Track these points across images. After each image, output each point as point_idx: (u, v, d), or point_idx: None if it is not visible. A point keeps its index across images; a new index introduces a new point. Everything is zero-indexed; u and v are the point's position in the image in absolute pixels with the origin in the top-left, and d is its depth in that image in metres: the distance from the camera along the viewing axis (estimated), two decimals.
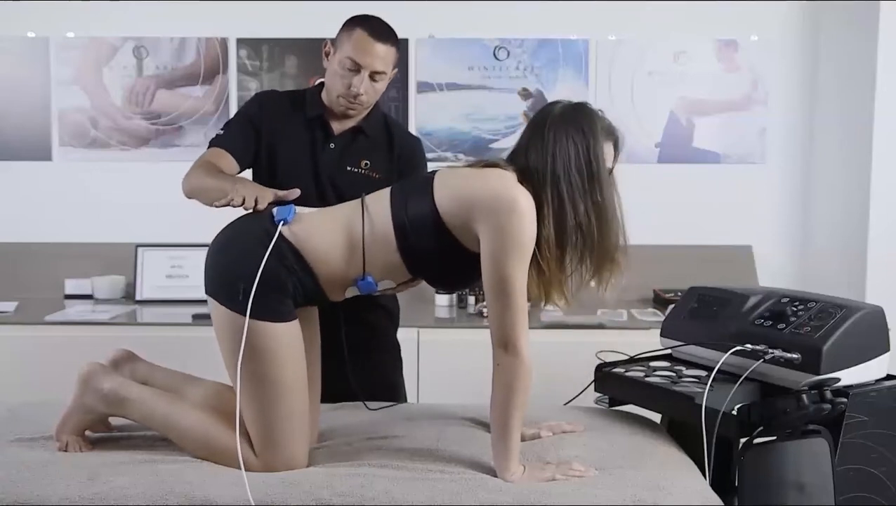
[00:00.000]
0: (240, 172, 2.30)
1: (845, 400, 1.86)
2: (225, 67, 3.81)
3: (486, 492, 1.67)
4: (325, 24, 3.75)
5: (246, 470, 1.76)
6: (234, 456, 1.78)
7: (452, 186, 1.81)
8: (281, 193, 1.93)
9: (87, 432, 1.92)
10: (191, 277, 3.68)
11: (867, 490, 1.93)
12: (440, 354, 2.89)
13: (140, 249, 3.70)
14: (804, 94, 3.82)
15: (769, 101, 3.82)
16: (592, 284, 1.85)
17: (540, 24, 3.79)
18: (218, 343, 1.85)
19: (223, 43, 3.80)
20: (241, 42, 3.81)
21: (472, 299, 3.54)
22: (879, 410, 1.92)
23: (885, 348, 1.97)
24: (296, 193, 1.94)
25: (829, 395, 1.85)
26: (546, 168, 1.78)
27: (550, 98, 3.79)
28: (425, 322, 3.21)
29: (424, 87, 3.76)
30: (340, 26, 2.28)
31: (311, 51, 3.80)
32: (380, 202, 1.86)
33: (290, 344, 1.82)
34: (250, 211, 1.90)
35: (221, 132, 2.33)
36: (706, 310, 2.17)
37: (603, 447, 1.89)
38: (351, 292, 1.90)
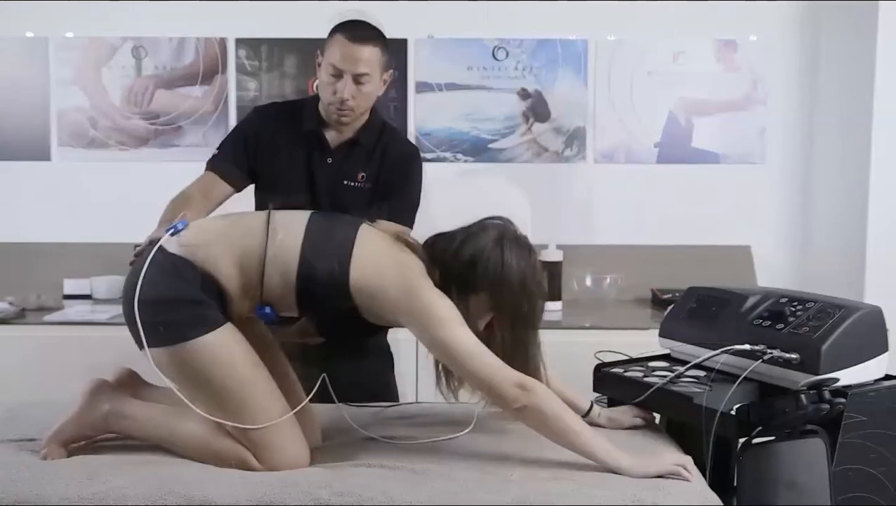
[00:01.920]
0: (238, 192, 2.30)
1: (844, 400, 1.86)
2: (224, 67, 3.81)
3: (485, 492, 1.67)
4: (324, 24, 3.77)
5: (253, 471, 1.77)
6: (239, 465, 1.79)
7: (370, 265, 1.80)
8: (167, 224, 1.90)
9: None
10: None
11: (866, 490, 1.93)
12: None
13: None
14: (803, 95, 3.82)
15: (768, 101, 3.82)
16: None
17: (539, 24, 3.78)
18: (180, 390, 1.80)
19: (222, 43, 3.80)
20: (240, 42, 3.81)
21: None
22: (878, 410, 1.92)
23: (884, 348, 1.98)
24: (185, 217, 1.91)
25: (827, 395, 1.85)
26: (471, 272, 1.81)
27: (549, 98, 3.79)
28: None
29: (423, 87, 3.76)
30: None
31: (311, 51, 3.77)
32: (292, 227, 1.82)
33: (230, 347, 1.78)
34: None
35: (216, 152, 2.32)
36: (705, 310, 2.17)
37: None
38: (245, 313, 1.86)
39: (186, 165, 3.77)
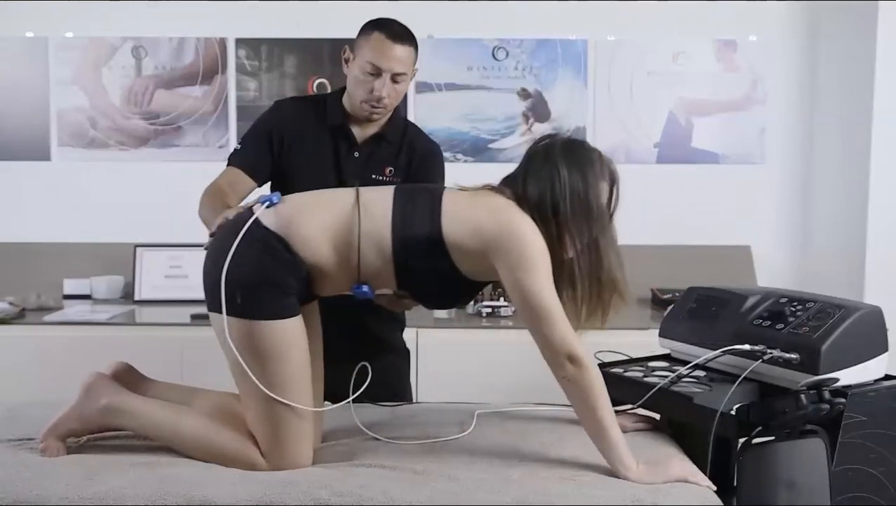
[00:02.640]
0: (259, 187, 2.29)
1: (844, 400, 1.86)
2: (224, 67, 3.81)
3: (484, 492, 1.66)
4: (324, 24, 3.78)
5: (253, 470, 1.77)
6: (242, 459, 1.79)
7: (460, 212, 1.79)
8: (251, 201, 1.90)
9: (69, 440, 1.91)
10: (189, 277, 3.68)
11: (865, 490, 1.93)
12: (439, 355, 2.89)
13: (139, 249, 3.70)
14: (803, 95, 3.82)
15: (768, 101, 3.83)
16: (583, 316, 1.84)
17: (539, 24, 3.79)
18: (225, 354, 1.81)
19: (222, 43, 3.81)
20: (239, 42, 3.81)
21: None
22: (878, 410, 1.92)
23: (884, 348, 1.97)
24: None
25: (827, 395, 1.85)
26: (545, 201, 1.78)
27: (549, 98, 3.80)
28: (425, 322, 3.21)
29: (423, 87, 3.76)
30: (358, 31, 2.29)
31: (310, 51, 3.81)
32: (380, 203, 1.82)
33: (295, 341, 1.79)
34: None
35: (238, 147, 2.31)
36: (705, 310, 2.17)
37: None
38: (338, 292, 1.87)
39: (186, 165, 3.82)
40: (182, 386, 2.06)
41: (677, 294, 3.25)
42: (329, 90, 3.77)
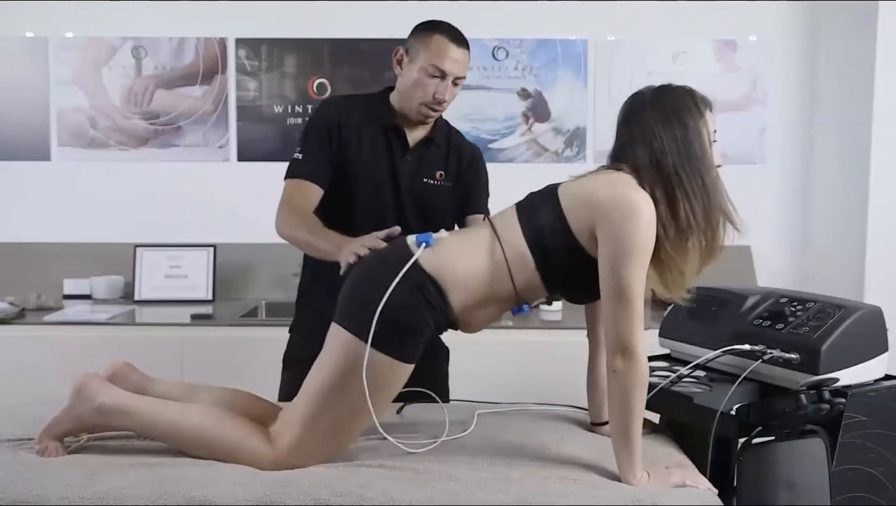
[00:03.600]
0: (321, 193, 2.26)
1: (844, 400, 1.87)
2: (224, 67, 3.81)
3: (485, 492, 1.66)
4: (324, 24, 3.78)
5: (254, 463, 1.78)
6: (244, 449, 1.80)
7: (576, 192, 1.80)
8: (381, 233, 1.92)
9: (67, 439, 1.91)
10: (189, 276, 3.68)
11: (865, 490, 1.93)
12: None
13: (139, 249, 3.70)
14: (803, 95, 3.82)
15: (768, 101, 3.83)
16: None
17: (539, 24, 3.79)
18: (320, 362, 1.82)
19: (222, 43, 3.80)
20: (239, 42, 3.81)
21: None
22: (878, 410, 1.92)
23: (884, 348, 1.98)
24: (397, 230, 1.93)
25: (827, 395, 1.85)
26: (655, 162, 1.76)
27: (549, 98, 3.80)
28: None
29: None
30: (411, 32, 2.28)
31: (310, 51, 3.81)
32: (508, 222, 1.84)
33: (397, 384, 1.82)
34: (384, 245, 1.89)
35: (300, 156, 2.26)
36: (705, 310, 2.17)
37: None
38: (489, 322, 1.89)
39: (186, 165, 3.82)
40: (184, 383, 2.06)
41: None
42: (329, 90, 3.79)
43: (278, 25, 3.79)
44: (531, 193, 1.91)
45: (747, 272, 3.73)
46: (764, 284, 3.63)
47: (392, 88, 2.33)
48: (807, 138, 3.83)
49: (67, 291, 3.70)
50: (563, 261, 1.79)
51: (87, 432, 1.91)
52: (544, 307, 3.32)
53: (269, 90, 3.82)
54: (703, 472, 1.81)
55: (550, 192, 1.84)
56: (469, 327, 1.88)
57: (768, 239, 3.84)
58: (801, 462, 1.88)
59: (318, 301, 2.30)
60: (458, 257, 1.82)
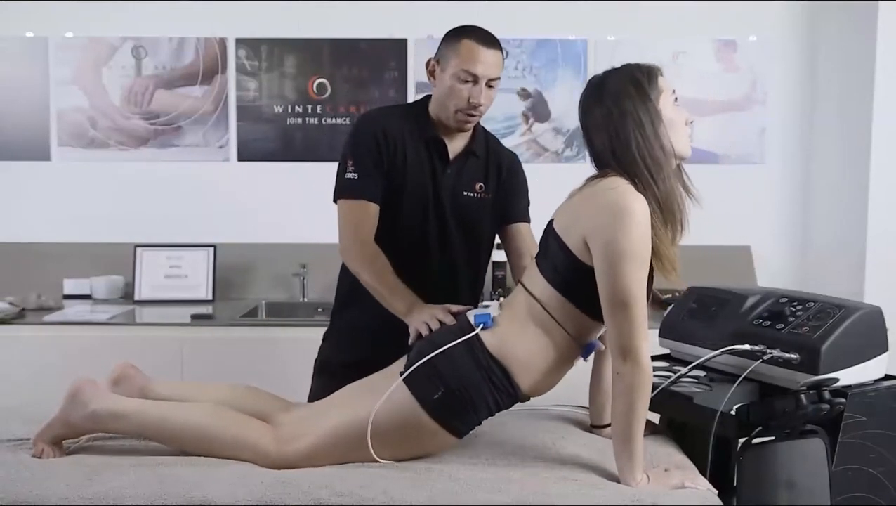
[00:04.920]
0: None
1: (844, 400, 1.87)
2: (224, 67, 3.81)
3: (484, 492, 1.67)
4: (324, 24, 3.78)
5: (255, 459, 1.80)
6: (245, 442, 1.81)
7: (565, 217, 1.81)
8: (454, 308, 1.95)
9: (65, 441, 1.90)
10: (189, 277, 3.68)
11: (865, 490, 1.93)
12: None
13: (138, 249, 3.70)
14: (803, 95, 3.82)
15: (768, 101, 3.83)
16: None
17: (539, 24, 3.79)
18: (369, 398, 1.82)
19: (222, 43, 3.80)
20: (239, 42, 3.81)
21: None
22: (878, 410, 1.92)
23: (884, 348, 1.98)
24: (470, 308, 1.93)
25: (827, 395, 1.85)
26: (629, 152, 1.79)
27: (549, 98, 3.80)
28: None
29: (423, 87, 3.76)
30: (441, 41, 2.26)
31: (310, 51, 3.80)
32: (534, 277, 1.84)
33: (433, 449, 1.85)
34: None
35: (355, 175, 2.21)
36: (705, 310, 2.17)
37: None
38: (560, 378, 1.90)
39: (186, 165, 3.82)
40: (186, 383, 2.06)
41: (677, 294, 3.25)
42: (329, 91, 3.79)
43: (278, 25, 3.79)
44: (543, 239, 1.91)
45: (747, 272, 3.73)
46: (764, 284, 3.63)
47: (429, 97, 2.30)
48: (807, 138, 3.83)
49: (67, 291, 3.70)
50: (588, 287, 1.77)
51: (81, 435, 1.91)
52: None
53: (269, 90, 3.82)
54: (703, 472, 1.81)
55: (549, 227, 1.85)
56: (540, 393, 1.89)
57: (768, 239, 3.84)
58: (801, 462, 1.88)
59: (353, 316, 2.31)
60: (516, 338, 1.82)
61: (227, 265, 3.72)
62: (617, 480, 1.73)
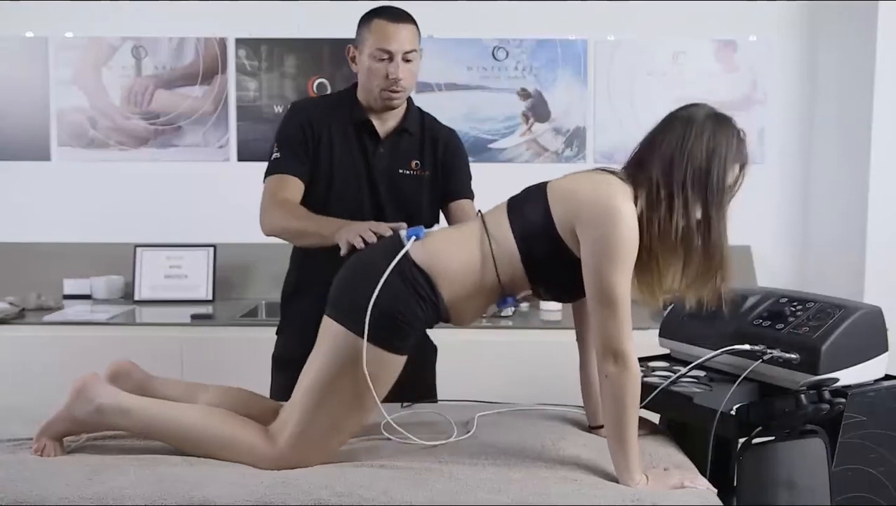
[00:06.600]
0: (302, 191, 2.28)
1: (844, 400, 1.87)
2: (224, 67, 3.81)
3: (484, 492, 1.67)
4: (324, 24, 3.78)
5: (255, 461, 1.79)
6: (243, 444, 1.80)
7: (562, 190, 1.81)
8: (393, 224, 1.93)
9: (66, 439, 1.90)
10: (189, 277, 3.68)
11: (865, 490, 1.93)
12: (439, 355, 2.88)
13: (138, 249, 3.70)
14: (803, 95, 3.82)
15: (768, 101, 3.83)
16: (688, 298, 1.84)
17: (539, 24, 3.79)
18: (315, 355, 1.83)
19: (222, 43, 3.80)
20: (239, 42, 3.81)
21: None
22: (878, 410, 1.92)
23: (884, 348, 1.98)
24: (403, 225, 1.93)
25: (827, 395, 1.85)
26: (666, 161, 1.77)
27: (549, 98, 3.80)
28: None
29: (423, 87, 3.76)
30: (357, 26, 2.29)
31: (310, 51, 3.81)
32: (498, 217, 1.85)
33: (391, 376, 1.82)
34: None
35: (279, 155, 2.29)
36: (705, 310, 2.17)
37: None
38: (478, 315, 1.90)
39: (186, 165, 3.82)
40: (185, 382, 2.06)
41: (677, 294, 3.25)
42: (329, 90, 3.79)
43: (278, 25, 3.78)
44: (526, 188, 1.92)
45: (747, 272, 3.73)
46: (764, 284, 3.63)
47: (356, 84, 2.34)
48: (807, 138, 3.83)
49: (67, 291, 3.69)
50: (548, 257, 1.79)
51: (85, 432, 1.91)
52: (544, 306, 3.32)
53: (269, 90, 3.81)
54: (703, 472, 1.81)
55: (540, 188, 1.85)
56: (459, 320, 1.89)
57: (768, 239, 3.84)
58: (801, 462, 1.89)
59: (304, 303, 2.32)
60: (448, 250, 1.83)
61: (227, 265, 3.72)
62: (617, 480, 1.73)
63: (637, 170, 1.80)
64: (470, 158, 2.47)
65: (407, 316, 1.79)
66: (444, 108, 3.76)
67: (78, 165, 3.82)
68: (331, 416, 1.80)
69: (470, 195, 2.39)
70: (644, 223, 1.75)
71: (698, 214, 1.78)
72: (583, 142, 3.80)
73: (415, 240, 1.83)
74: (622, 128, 3.79)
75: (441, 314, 1.85)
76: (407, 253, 1.80)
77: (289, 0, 3.76)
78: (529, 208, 1.82)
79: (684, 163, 1.77)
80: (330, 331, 1.82)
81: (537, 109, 3.81)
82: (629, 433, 1.72)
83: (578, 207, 1.75)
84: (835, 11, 3.65)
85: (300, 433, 1.80)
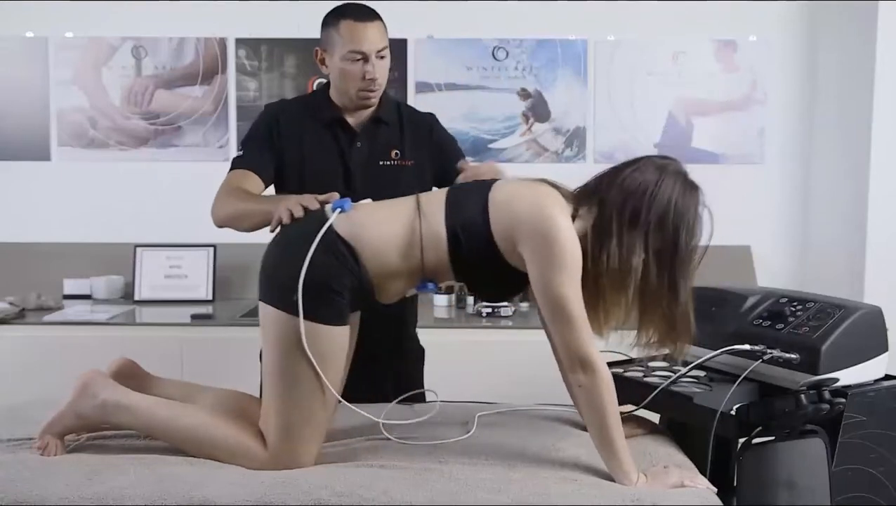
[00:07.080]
0: (265, 190, 2.28)
1: (844, 400, 1.87)
2: (224, 67, 3.81)
3: (484, 492, 1.67)
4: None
5: (253, 464, 1.78)
6: (241, 451, 1.80)
7: (504, 195, 1.80)
8: (321, 196, 1.91)
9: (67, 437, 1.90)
10: (189, 277, 3.68)
11: (865, 490, 1.93)
12: (439, 355, 2.88)
13: (138, 249, 3.70)
14: (803, 95, 3.82)
15: (768, 101, 3.83)
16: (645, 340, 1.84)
17: (539, 24, 3.79)
18: (262, 344, 1.84)
19: (222, 43, 3.80)
20: (239, 42, 3.81)
21: (470, 300, 3.54)
22: (878, 410, 1.92)
23: (884, 348, 1.98)
24: (335, 195, 1.91)
25: (827, 395, 1.85)
26: (628, 203, 1.76)
27: (549, 98, 3.79)
28: (424, 322, 3.20)
29: (423, 87, 3.76)
30: (321, 27, 2.30)
31: (310, 50, 3.79)
32: (435, 204, 1.84)
33: (340, 349, 1.82)
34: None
35: (241, 153, 2.30)
36: (705, 310, 2.16)
37: None
38: (401, 295, 1.90)
39: (186, 165, 3.82)
40: (186, 383, 2.06)
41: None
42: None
43: (278, 25, 3.78)
44: (473, 181, 1.92)
45: (747, 272, 3.73)
46: (764, 284, 3.63)
47: (328, 84, 2.34)
48: (807, 138, 3.83)
49: (67, 291, 3.70)
50: (477, 256, 1.79)
51: (88, 429, 1.92)
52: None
53: (269, 90, 3.81)
54: (703, 472, 1.81)
55: (485, 186, 1.85)
56: (383, 296, 1.88)
57: (768, 239, 3.84)
58: (801, 462, 1.89)
59: None
60: (374, 224, 1.83)
61: (227, 265, 3.72)
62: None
63: (590, 193, 1.80)
64: (470, 158, 2.47)
65: (333, 284, 1.78)
66: (443, 108, 3.76)
67: (78, 165, 3.82)
68: (297, 401, 1.79)
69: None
70: (588, 247, 1.75)
71: (656, 268, 1.77)
72: (583, 142, 3.80)
73: (340, 212, 1.82)
74: (622, 128, 3.79)
75: (367, 287, 1.83)
76: (332, 225, 1.80)
77: (289, 0, 3.76)
78: (469, 205, 1.81)
79: (646, 204, 1.76)
80: (268, 318, 1.81)
81: (537, 109, 3.81)
82: (615, 436, 1.72)
83: (517, 221, 1.75)
84: (835, 11, 3.66)
85: (279, 427, 1.79)
